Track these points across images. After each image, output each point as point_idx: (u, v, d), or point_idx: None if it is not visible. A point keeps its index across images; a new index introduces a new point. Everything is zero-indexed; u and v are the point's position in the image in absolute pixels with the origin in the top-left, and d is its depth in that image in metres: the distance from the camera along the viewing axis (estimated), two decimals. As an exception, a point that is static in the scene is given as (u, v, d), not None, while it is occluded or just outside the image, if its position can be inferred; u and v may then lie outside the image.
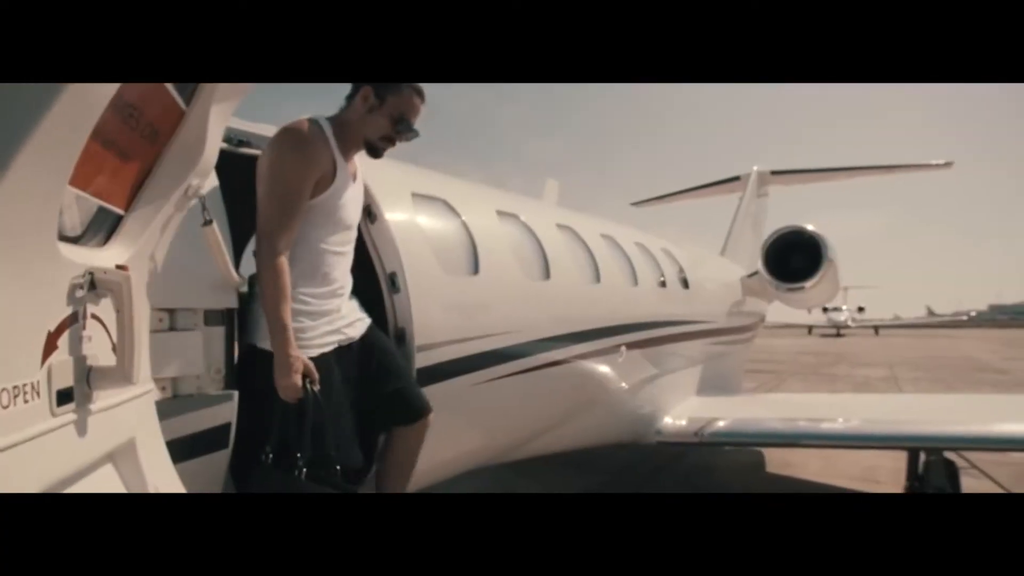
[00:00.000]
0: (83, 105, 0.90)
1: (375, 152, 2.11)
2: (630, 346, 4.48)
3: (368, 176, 2.71)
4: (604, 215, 5.71)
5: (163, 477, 1.44)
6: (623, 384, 4.53)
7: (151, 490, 1.38)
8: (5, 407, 0.87)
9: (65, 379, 1.05)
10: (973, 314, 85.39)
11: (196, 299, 1.84)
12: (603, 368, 4.19)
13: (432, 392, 2.73)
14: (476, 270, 3.07)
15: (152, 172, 1.28)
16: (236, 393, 1.97)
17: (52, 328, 1.00)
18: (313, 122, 2.00)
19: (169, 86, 1.23)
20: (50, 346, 0.99)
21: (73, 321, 1.06)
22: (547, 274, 3.62)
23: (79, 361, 1.09)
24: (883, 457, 6.24)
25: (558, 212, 4.72)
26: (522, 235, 3.66)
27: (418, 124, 2.20)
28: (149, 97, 1.19)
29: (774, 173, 12.51)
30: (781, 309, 9.76)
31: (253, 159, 2.13)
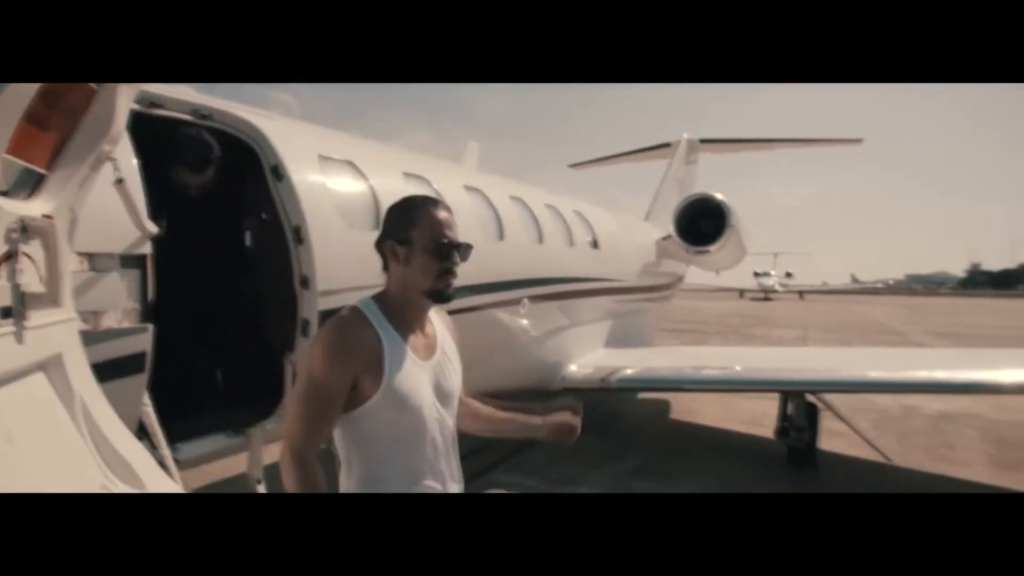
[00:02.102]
0: (17, 96, 1.23)
1: (444, 296, 1.65)
2: (534, 299, 4.96)
3: (277, 137, 3.03)
4: (544, 175, 6.11)
5: (88, 390, 1.79)
6: (527, 334, 5.02)
7: (77, 399, 1.72)
8: None
9: (5, 300, 1.40)
10: (891, 282, 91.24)
11: (113, 245, 2.17)
12: (507, 319, 4.65)
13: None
14: (379, 225, 3.44)
15: (69, 140, 1.60)
16: (151, 327, 2.32)
17: None
18: (354, 310, 1.61)
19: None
20: None
21: (9, 257, 1.40)
22: (450, 231, 4.02)
23: (15, 287, 1.43)
24: (771, 405, 7.04)
25: (467, 174, 5.09)
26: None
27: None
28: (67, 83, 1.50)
29: (703, 141, 13.14)
30: (721, 274, 10.41)
31: (165, 120, 2.43)
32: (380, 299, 1.65)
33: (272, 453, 3.19)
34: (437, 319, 1.77)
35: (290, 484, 1.53)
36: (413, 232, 1.61)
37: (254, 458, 3.04)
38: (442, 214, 1.64)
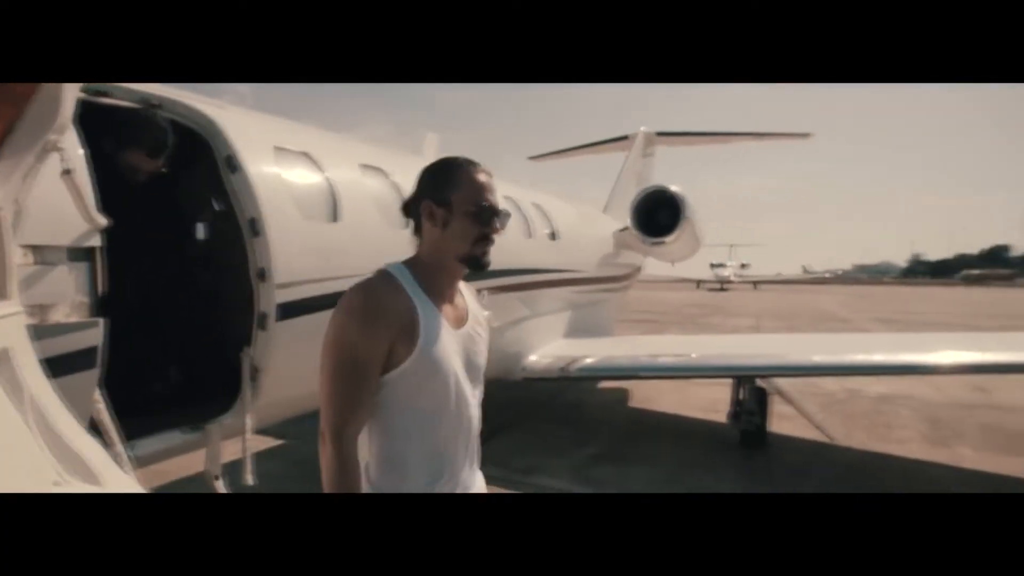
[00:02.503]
0: None
1: (480, 263, 1.56)
2: (493, 291, 5.01)
3: (230, 128, 2.98)
4: (505, 167, 6.15)
5: (38, 386, 1.75)
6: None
7: (27, 395, 1.69)
8: None
9: None
10: (840, 272, 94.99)
11: (61, 238, 2.12)
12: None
13: (296, 325, 3.11)
14: (336, 217, 3.44)
15: (13, 129, 1.56)
16: (102, 321, 2.28)
17: None
18: (384, 274, 1.54)
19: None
20: None
21: None
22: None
23: None
24: (725, 392, 7.26)
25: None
26: (385, 187, 4.02)
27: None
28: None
29: (659, 134, 13.39)
30: (677, 265, 10.64)
31: (111, 108, 2.38)
32: (411, 264, 1.57)
33: (231, 449, 3.17)
34: (466, 290, 1.67)
35: (328, 468, 1.45)
36: (454, 194, 1.51)
37: (212, 455, 3.01)
38: (484, 177, 1.55)
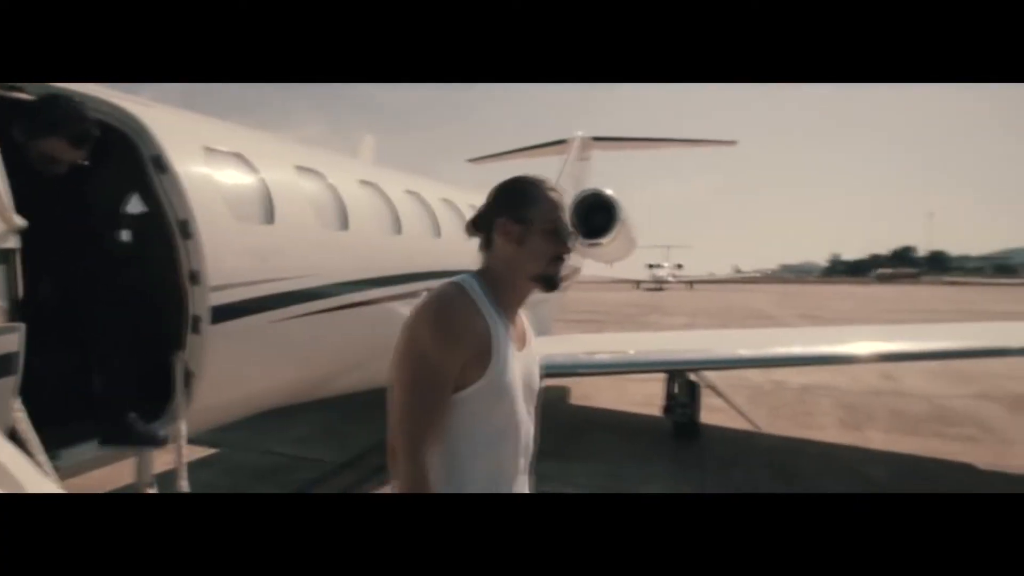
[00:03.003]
0: None
1: (553, 282, 1.56)
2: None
3: (157, 127, 2.91)
4: (445, 171, 6.15)
5: None
6: (426, 326, 5.09)
7: None
8: None
9: None
10: (768, 272, 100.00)
11: None
12: (404, 311, 4.69)
13: (231, 328, 3.07)
14: (271, 219, 3.41)
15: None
16: (22, 326, 2.19)
17: None
18: (459, 288, 1.50)
19: None
20: None
21: None
22: (345, 225, 4.03)
23: None
24: (660, 387, 7.51)
25: (363, 168, 5.09)
26: (321, 189, 4.01)
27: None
28: None
29: (595, 139, 13.73)
30: (616, 266, 10.94)
31: (20, 103, 2.29)
32: (482, 279, 1.53)
33: (163, 460, 3.07)
34: (522, 311, 1.63)
35: (405, 485, 1.40)
36: (531, 211, 1.50)
37: (144, 464, 2.92)
38: (558, 196, 1.55)
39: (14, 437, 2.18)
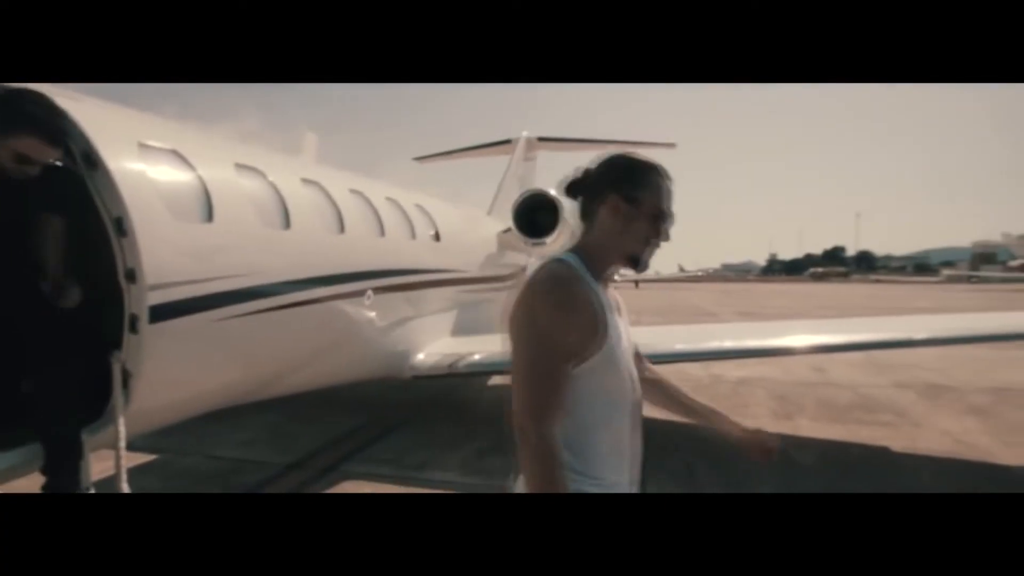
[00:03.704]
0: None
1: (643, 264, 1.60)
2: (377, 291, 5.06)
3: (87, 122, 2.85)
4: (391, 169, 6.16)
5: None
6: (372, 325, 5.11)
7: None
8: None
9: None
10: (711, 271, 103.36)
11: None
12: (349, 310, 4.71)
13: (172, 327, 3.03)
14: (210, 218, 3.37)
15: None
16: None
17: None
18: (566, 264, 1.51)
19: None
20: None
21: None
22: (287, 223, 4.02)
23: None
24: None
25: (305, 167, 5.07)
26: (262, 187, 3.98)
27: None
28: None
29: (540, 139, 13.94)
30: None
31: None
32: (581, 254, 1.54)
33: (102, 464, 2.99)
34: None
35: (536, 462, 1.39)
36: (643, 193, 1.52)
37: (82, 468, 2.85)
38: (670, 186, 1.57)
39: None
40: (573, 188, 1.59)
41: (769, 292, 44.12)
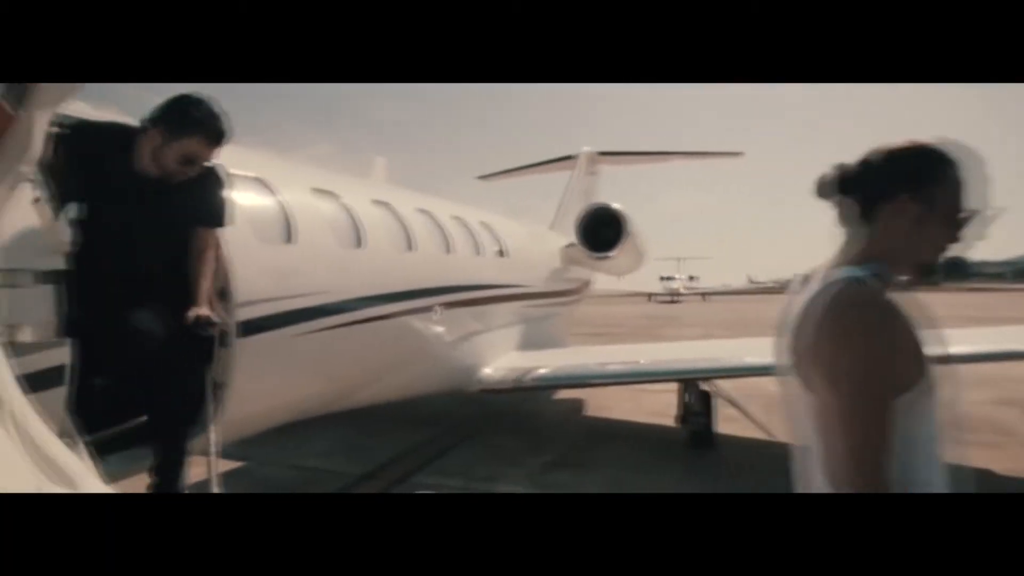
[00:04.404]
0: None
1: (933, 274, 1.39)
2: (445, 306, 5.21)
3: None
4: (455, 188, 6.36)
5: (15, 400, 1.86)
6: (440, 340, 5.26)
7: (6, 408, 1.79)
8: None
9: None
10: (785, 282, 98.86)
11: (29, 261, 2.24)
12: (418, 326, 4.88)
13: (257, 341, 3.25)
14: (291, 239, 3.61)
15: (-10, 162, 1.70)
16: (70, 340, 2.38)
17: None
18: (867, 285, 1.29)
19: (0, 98, 1.66)
20: None
21: None
22: (360, 243, 4.22)
23: None
24: (675, 397, 7.58)
25: (375, 189, 5.31)
26: (337, 210, 4.21)
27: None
28: None
29: (602, 154, 13.93)
30: (628, 279, 11.09)
31: (60, 136, 2.52)
32: (874, 268, 1.30)
33: (194, 471, 3.22)
34: None
35: None
36: (936, 189, 1.29)
37: (183, 471, 3.09)
38: (970, 174, 1.32)
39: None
40: (847, 185, 1.35)
41: (849, 303, 41.74)
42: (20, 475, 1.71)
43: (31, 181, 2.03)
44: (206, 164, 2.68)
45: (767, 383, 9.54)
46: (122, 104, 2.89)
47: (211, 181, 2.81)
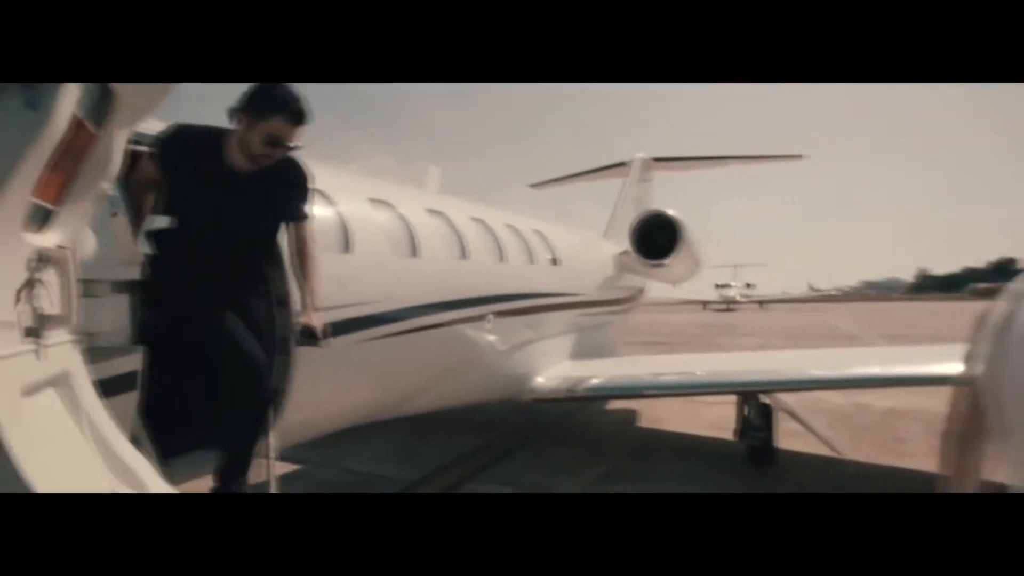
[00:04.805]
0: (43, 148, 1.45)
1: None
2: (498, 315, 5.21)
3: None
4: (507, 195, 6.38)
5: (92, 404, 1.96)
6: (493, 348, 5.26)
7: (83, 412, 1.89)
8: None
9: (25, 322, 1.58)
10: (847, 289, 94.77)
11: (107, 272, 2.36)
12: (471, 334, 4.89)
13: (315, 349, 3.32)
14: (348, 249, 3.68)
15: (74, 179, 1.80)
16: (143, 347, 2.50)
17: (18, 287, 1.55)
18: None
19: (84, 118, 1.75)
20: (18, 298, 1.54)
21: (31, 283, 1.60)
22: (415, 252, 4.27)
23: (34, 311, 1.62)
24: (733, 410, 7.34)
25: (430, 198, 5.36)
26: (392, 219, 4.28)
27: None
28: (71, 127, 1.71)
29: (656, 160, 13.71)
30: (682, 286, 10.84)
31: (143, 154, 2.64)
32: None
33: (257, 472, 3.33)
34: None
35: None
36: None
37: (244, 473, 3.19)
38: None
39: (135, 446, 2.48)
40: None
41: (921, 312, 39.62)
42: (94, 476, 1.80)
43: (109, 196, 2.14)
44: (289, 154, 2.72)
45: (832, 396, 9.17)
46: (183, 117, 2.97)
47: (296, 173, 2.86)
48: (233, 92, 2.62)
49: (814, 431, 6.80)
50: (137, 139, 2.71)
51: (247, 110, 2.61)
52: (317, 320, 2.78)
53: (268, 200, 2.80)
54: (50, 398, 1.77)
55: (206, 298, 2.71)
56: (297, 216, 2.89)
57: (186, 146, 2.71)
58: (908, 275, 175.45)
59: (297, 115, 2.63)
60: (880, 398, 9.22)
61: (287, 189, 2.86)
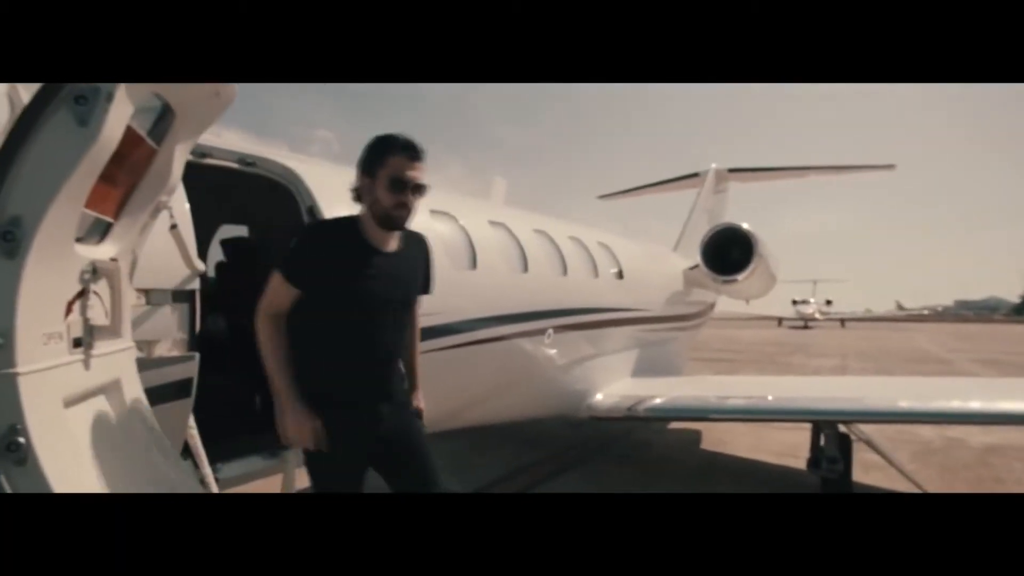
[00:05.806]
0: (95, 160, 1.46)
1: None
2: (558, 329, 5.08)
3: (311, 180, 3.25)
4: (575, 207, 6.29)
5: (142, 412, 2.00)
6: (551, 364, 5.14)
7: (132, 420, 1.93)
8: (45, 344, 1.44)
9: (77, 331, 1.61)
10: (940, 309, 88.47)
11: (167, 282, 2.42)
12: (531, 348, 4.78)
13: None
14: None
15: (132, 192, 1.84)
16: (197, 355, 2.54)
17: (70, 298, 1.57)
18: None
19: (144, 134, 1.78)
20: (68, 309, 1.57)
21: (82, 295, 1.62)
22: (474, 264, 4.21)
23: (86, 320, 1.65)
24: (806, 436, 6.92)
25: (492, 210, 5.30)
26: (453, 231, 4.24)
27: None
28: (130, 142, 1.74)
29: (731, 171, 13.18)
30: (756, 302, 10.42)
31: (213, 168, 2.68)
32: None
33: (304, 477, 3.37)
34: None
35: None
36: None
37: (288, 479, 3.21)
38: None
39: (187, 450, 2.53)
40: None
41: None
42: (137, 486, 1.81)
43: (169, 209, 2.18)
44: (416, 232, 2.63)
45: (922, 429, 8.45)
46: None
47: (425, 248, 2.72)
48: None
49: (899, 468, 6.27)
50: (202, 151, 2.78)
51: (363, 169, 2.46)
52: (421, 401, 2.66)
53: (413, 272, 2.62)
54: (99, 406, 1.80)
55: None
56: (427, 290, 2.74)
57: (328, 242, 2.49)
58: (1012, 295, 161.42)
59: (408, 148, 2.45)
60: (976, 432, 8.42)
61: (424, 263, 2.70)
